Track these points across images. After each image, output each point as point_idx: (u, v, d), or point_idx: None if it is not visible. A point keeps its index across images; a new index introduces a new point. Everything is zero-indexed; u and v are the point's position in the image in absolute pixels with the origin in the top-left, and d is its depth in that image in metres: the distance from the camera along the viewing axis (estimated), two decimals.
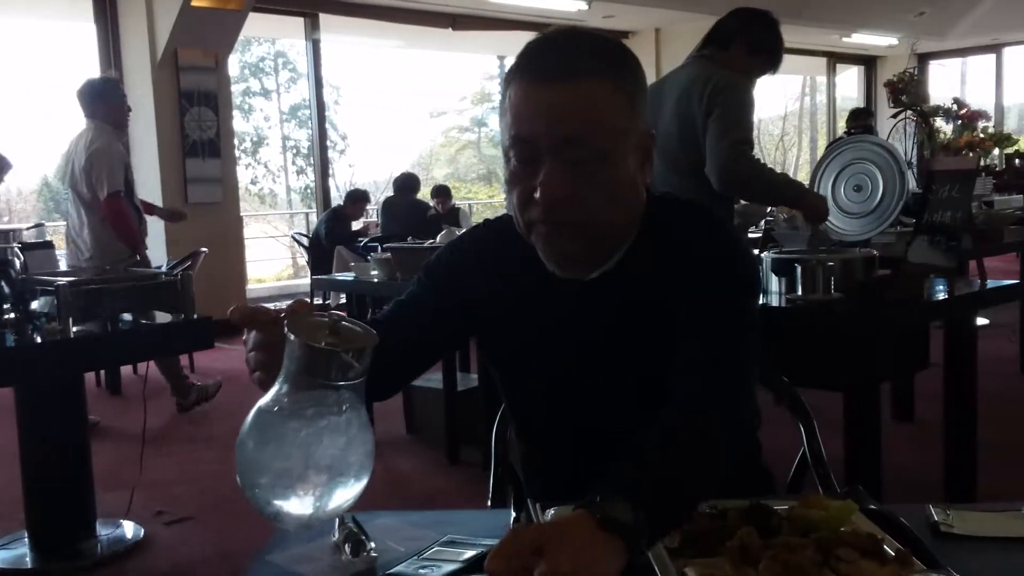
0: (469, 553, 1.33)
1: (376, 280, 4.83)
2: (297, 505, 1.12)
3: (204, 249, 6.89)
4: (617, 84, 1.38)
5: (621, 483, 1.17)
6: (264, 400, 1.14)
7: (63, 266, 5.01)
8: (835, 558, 1.20)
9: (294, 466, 1.11)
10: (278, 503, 1.12)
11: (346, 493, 1.14)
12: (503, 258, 1.56)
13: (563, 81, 1.34)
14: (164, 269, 5.26)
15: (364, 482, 1.16)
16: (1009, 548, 1.30)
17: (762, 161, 3.49)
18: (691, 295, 1.42)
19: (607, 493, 1.13)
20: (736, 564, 1.22)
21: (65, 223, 5.71)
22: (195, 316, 3.26)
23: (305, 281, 8.77)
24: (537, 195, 1.34)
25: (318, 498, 1.12)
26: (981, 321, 6.36)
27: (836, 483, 1.78)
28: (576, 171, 1.34)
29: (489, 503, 1.87)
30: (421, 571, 1.29)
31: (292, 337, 1.11)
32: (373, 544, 1.37)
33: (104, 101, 5.17)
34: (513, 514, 1.41)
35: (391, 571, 1.28)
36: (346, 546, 1.36)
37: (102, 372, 6.60)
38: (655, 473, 1.22)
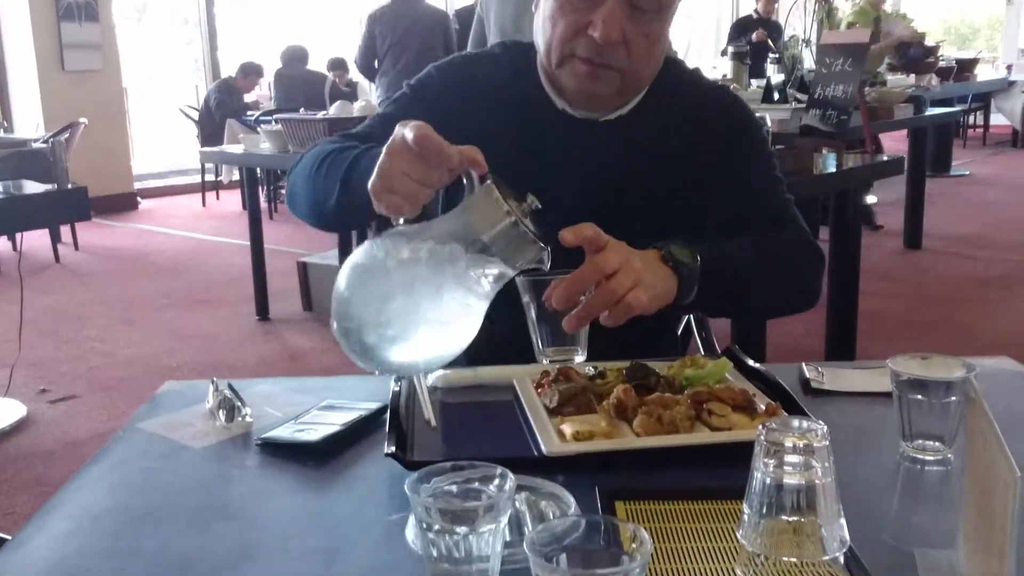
0: (348, 417, 1.31)
1: (267, 152, 4.65)
2: (399, 350, 1.08)
3: (83, 120, 6.50)
4: None
5: (692, 241, 1.34)
6: (398, 239, 1.07)
7: None
8: (707, 412, 1.22)
9: (409, 311, 1.06)
10: (383, 344, 1.08)
11: (441, 353, 1.12)
12: (514, 88, 1.54)
13: None
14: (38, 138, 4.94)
15: (456, 351, 1.13)
16: (873, 401, 1.35)
17: None
18: (730, 154, 1.55)
19: (675, 242, 1.32)
20: (612, 420, 1.23)
21: None
22: (68, 186, 3.08)
23: (193, 158, 8.40)
24: (592, 31, 1.37)
25: (420, 349, 1.09)
26: (870, 199, 6.58)
27: (718, 347, 1.83)
28: (633, 18, 1.38)
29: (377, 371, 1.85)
30: (298, 435, 1.26)
31: (496, 195, 1.05)
32: (249, 410, 1.33)
33: None
34: (395, 377, 1.38)
35: (267, 435, 1.25)
36: (220, 412, 1.32)
37: None
38: (726, 248, 1.41)
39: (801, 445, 0.88)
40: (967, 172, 9.54)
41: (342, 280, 1.10)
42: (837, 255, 3.39)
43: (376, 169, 1.14)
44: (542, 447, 1.17)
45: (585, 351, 1.40)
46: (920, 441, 1.18)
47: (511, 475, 0.91)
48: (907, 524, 1.06)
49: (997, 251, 6.08)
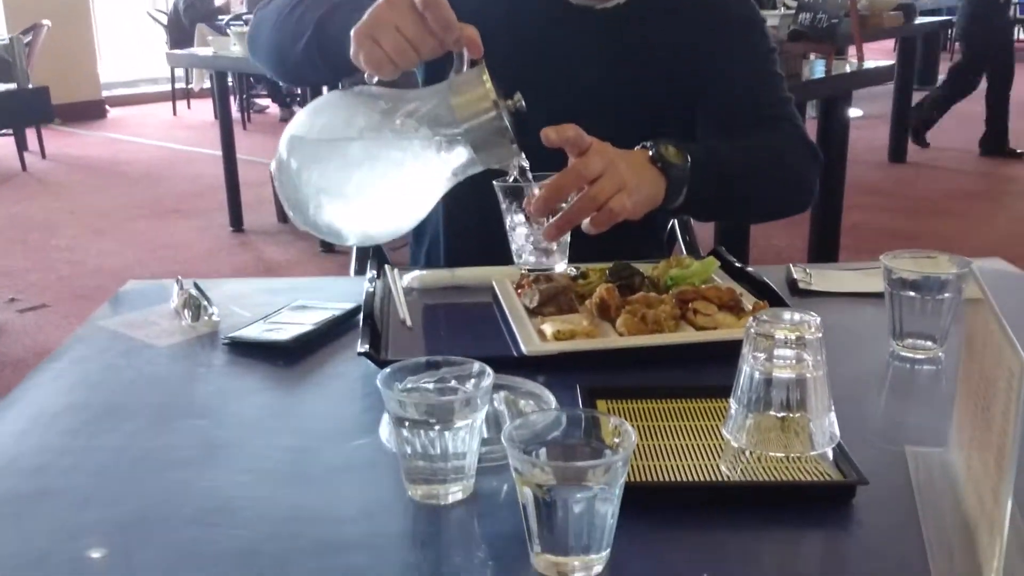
0: (320, 317, 1.25)
1: (237, 55, 4.49)
2: (347, 214, 1.06)
3: (46, 22, 6.25)
4: None
5: (680, 141, 1.28)
6: (369, 99, 1.03)
7: None
8: (693, 311, 1.18)
9: (369, 178, 1.01)
10: (333, 206, 1.04)
11: (395, 222, 1.09)
12: None
13: None
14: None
15: (413, 222, 1.10)
16: (863, 302, 1.31)
17: None
18: (727, 44, 1.50)
19: (664, 141, 1.25)
20: (594, 320, 1.19)
21: None
22: (29, 86, 2.95)
23: (164, 66, 8.14)
24: None
25: (372, 218, 1.07)
26: (855, 112, 6.49)
27: (702, 252, 1.78)
28: None
29: (352, 273, 1.80)
30: (267, 334, 1.21)
31: (487, 80, 1.00)
32: (216, 309, 1.28)
33: None
34: (369, 278, 1.33)
35: (235, 334, 1.20)
36: (185, 311, 1.27)
37: None
38: (716, 147, 1.37)
39: (793, 338, 0.84)
40: None
41: (300, 127, 1.03)
42: (824, 167, 3.33)
43: (368, 14, 1.04)
44: (521, 347, 1.13)
45: (566, 259, 1.34)
46: (911, 340, 1.14)
47: (489, 370, 0.86)
48: (897, 423, 1.03)
49: (982, 164, 6.05)
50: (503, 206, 1.31)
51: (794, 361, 0.84)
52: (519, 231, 1.33)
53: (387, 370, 0.86)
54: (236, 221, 5.00)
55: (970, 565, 0.73)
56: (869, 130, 6.62)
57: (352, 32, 1.05)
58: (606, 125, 1.22)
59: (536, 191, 1.16)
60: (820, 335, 0.84)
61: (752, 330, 0.86)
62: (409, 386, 0.88)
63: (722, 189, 1.35)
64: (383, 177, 1.02)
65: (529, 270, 1.33)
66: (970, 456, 0.83)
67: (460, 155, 1.03)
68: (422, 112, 1.00)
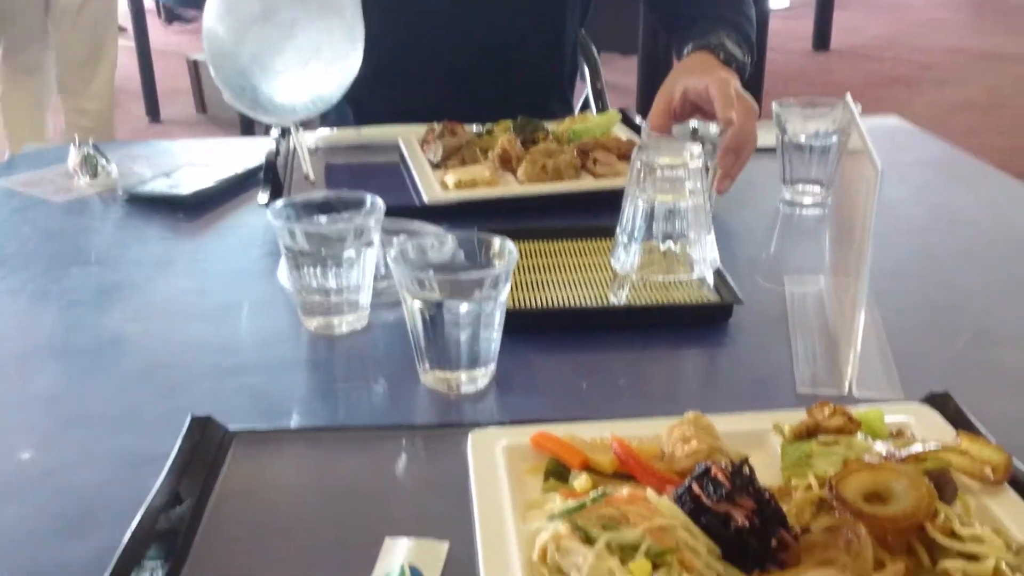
0: (222, 174, 1.24)
1: None
2: (281, 85, 1.01)
3: None
4: None
5: (720, 27, 1.26)
6: None
7: None
8: (593, 161, 1.20)
9: (298, 46, 0.99)
10: (267, 80, 1.00)
11: (332, 77, 1.04)
12: None
13: None
14: None
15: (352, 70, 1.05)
16: (760, 156, 1.34)
17: None
18: None
19: (713, 40, 1.23)
20: (496, 170, 1.20)
21: None
22: None
23: None
24: None
25: (304, 86, 1.03)
26: (782, 3, 6.48)
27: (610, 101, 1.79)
28: None
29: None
30: (168, 189, 1.20)
31: None
32: (115, 167, 1.26)
33: None
34: (273, 136, 1.32)
35: (134, 190, 1.19)
36: (82, 169, 1.25)
37: None
38: (739, 24, 1.31)
39: (674, 165, 0.87)
40: None
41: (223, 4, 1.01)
42: None
43: None
44: (423, 196, 1.14)
45: None
46: (800, 186, 1.18)
47: (380, 202, 0.87)
48: (780, 258, 1.07)
49: (904, 51, 6.12)
50: None
51: (676, 188, 0.87)
52: None
53: (279, 203, 0.87)
54: (153, 111, 4.84)
55: (830, 368, 0.79)
56: (795, 20, 6.62)
57: None
58: None
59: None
60: (700, 162, 0.87)
61: (637, 161, 0.88)
62: (301, 216, 0.88)
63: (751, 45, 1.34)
64: (320, 21, 0.99)
65: None
66: (838, 278, 0.88)
67: None
68: None
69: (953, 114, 4.70)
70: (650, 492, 0.55)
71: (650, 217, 0.88)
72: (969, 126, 4.45)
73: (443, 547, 0.58)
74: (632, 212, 0.89)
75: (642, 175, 0.88)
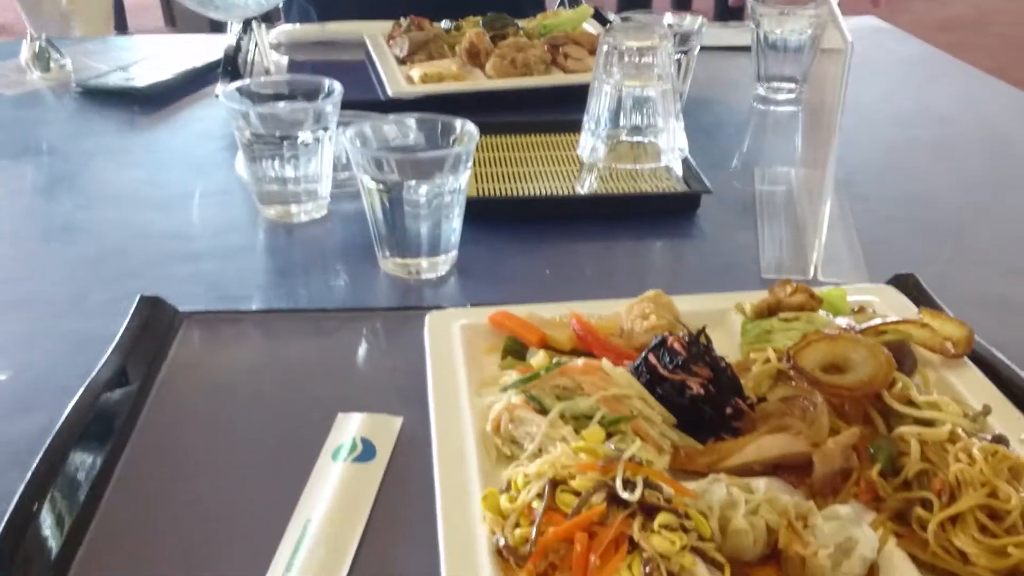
0: (180, 68, 1.20)
1: None
2: None
3: None
4: None
5: None
6: None
7: None
8: (563, 56, 1.16)
9: None
10: None
11: None
12: None
13: None
14: None
15: None
16: (736, 55, 1.31)
17: None
18: None
19: None
20: (464, 65, 1.17)
21: None
22: None
23: None
24: None
25: None
26: None
27: None
28: None
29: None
30: (123, 82, 1.15)
31: None
32: (68, 60, 1.21)
33: None
34: (235, 32, 1.27)
35: (88, 82, 1.14)
36: (35, 63, 1.20)
37: None
38: None
39: (643, 48, 0.84)
40: None
41: None
42: None
43: None
44: (388, 90, 1.11)
45: None
46: (775, 83, 1.16)
47: (339, 86, 0.84)
48: (752, 153, 1.05)
49: None
50: None
51: (643, 73, 0.84)
52: None
53: (232, 87, 0.83)
54: (120, 24, 4.70)
55: (796, 254, 0.77)
56: None
57: None
58: None
59: None
60: (669, 45, 0.84)
61: (604, 44, 0.85)
62: (256, 100, 0.85)
63: None
64: None
65: None
66: (808, 171, 0.86)
67: None
68: None
69: (937, 32, 4.65)
70: (605, 362, 0.54)
71: (617, 105, 0.85)
72: (954, 44, 4.40)
73: (396, 422, 0.57)
74: (599, 100, 0.86)
75: (610, 60, 0.85)
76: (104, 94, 1.13)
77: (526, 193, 0.88)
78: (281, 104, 0.84)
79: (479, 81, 1.13)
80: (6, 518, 0.46)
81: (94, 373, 0.58)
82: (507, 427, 0.52)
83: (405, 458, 0.54)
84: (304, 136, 0.81)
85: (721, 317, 0.64)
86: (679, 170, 0.88)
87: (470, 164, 0.73)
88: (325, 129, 0.83)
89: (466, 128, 0.75)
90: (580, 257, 0.81)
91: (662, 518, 0.43)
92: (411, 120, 0.78)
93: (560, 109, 1.08)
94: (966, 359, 0.57)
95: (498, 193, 0.87)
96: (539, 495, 0.45)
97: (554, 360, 0.55)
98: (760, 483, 0.47)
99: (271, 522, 0.49)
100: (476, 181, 0.89)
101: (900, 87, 1.24)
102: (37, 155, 0.97)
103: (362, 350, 0.66)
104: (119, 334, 0.62)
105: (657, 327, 0.59)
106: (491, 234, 0.80)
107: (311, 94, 0.85)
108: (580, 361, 0.54)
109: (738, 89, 1.19)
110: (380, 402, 0.58)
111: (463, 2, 1.30)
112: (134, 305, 0.65)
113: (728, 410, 0.51)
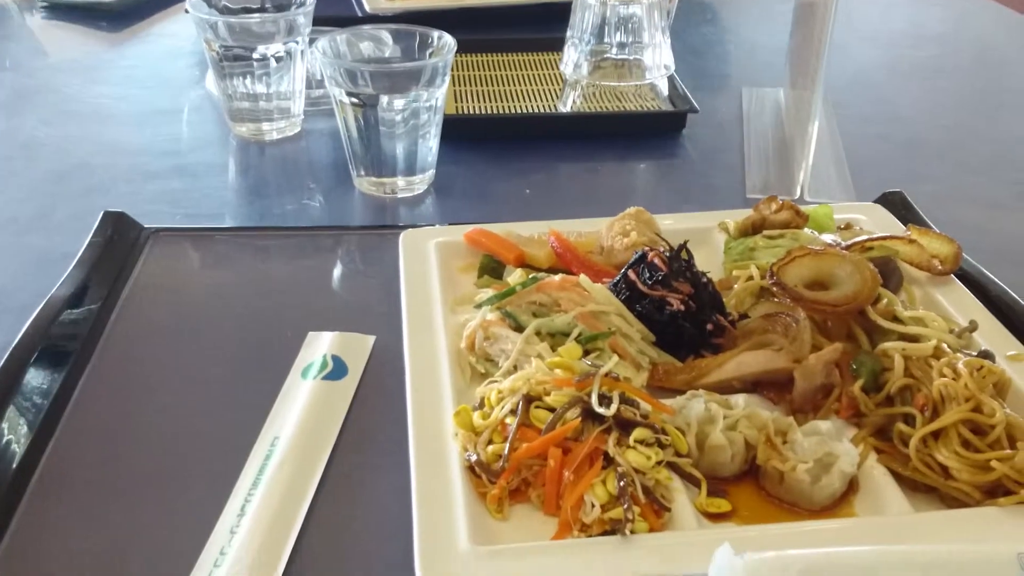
0: None
1: None
2: None
3: None
4: None
5: None
6: None
7: None
8: None
9: None
10: None
11: None
12: None
13: None
14: None
15: None
16: None
17: None
18: None
19: None
20: None
21: None
22: None
23: None
24: None
25: None
26: None
27: None
28: None
29: None
30: None
31: None
32: None
33: None
34: None
35: None
36: None
37: None
38: None
39: None
40: None
41: None
42: None
43: None
44: (365, 6, 1.07)
45: None
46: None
47: None
48: (740, 73, 1.02)
49: None
50: None
51: None
52: None
53: None
54: None
55: (782, 173, 0.75)
56: None
57: None
58: None
59: None
60: None
61: None
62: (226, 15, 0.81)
63: None
64: None
65: None
66: (796, 91, 0.84)
67: None
68: None
69: None
70: (583, 278, 0.52)
71: (602, 22, 0.82)
72: None
73: (369, 340, 0.56)
74: (583, 14, 0.83)
75: None
76: (70, 8, 1.08)
77: (507, 111, 0.85)
78: (252, 16, 0.81)
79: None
80: None
81: (54, 289, 0.56)
82: (482, 344, 0.51)
83: (378, 377, 0.53)
84: (275, 48, 0.78)
85: (704, 235, 0.62)
86: (665, 89, 0.86)
87: (447, 78, 0.71)
88: (297, 42, 0.79)
89: (443, 40, 0.72)
90: (561, 177, 0.79)
91: (638, 433, 0.41)
92: (386, 33, 0.75)
93: (543, 27, 1.05)
94: (953, 276, 0.56)
95: (478, 112, 0.85)
96: (513, 411, 0.44)
97: (530, 276, 0.53)
98: (740, 399, 0.46)
99: (238, 440, 0.47)
100: (455, 100, 0.86)
101: (893, 6, 1.20)
102: None
103: (336, 269, 0.65)
104: (81, 250, 0.60)
105: (638, 244, 0.57)
106: (471, 153, 0.78)
107: (282, 5, 0.82)
108: (558, 277, 0.52)
109: (726, 6, 1.16)
110: (353, 321, 0.57)
111: None
112: (97, 221, 0.63)
113: (709, 326, 0.50)
